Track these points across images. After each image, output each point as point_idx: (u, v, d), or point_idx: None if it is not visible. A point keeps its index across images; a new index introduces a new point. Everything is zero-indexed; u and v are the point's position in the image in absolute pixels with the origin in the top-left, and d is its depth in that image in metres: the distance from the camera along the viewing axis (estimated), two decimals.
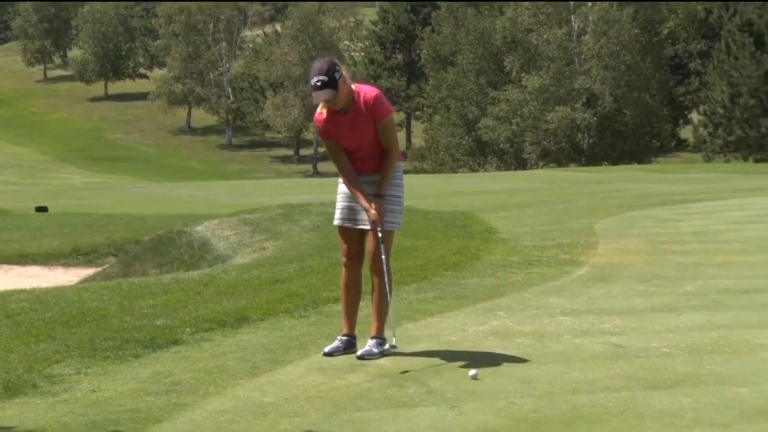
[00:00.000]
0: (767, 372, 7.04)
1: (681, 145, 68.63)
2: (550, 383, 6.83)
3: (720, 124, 56.74)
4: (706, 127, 58.02)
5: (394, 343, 7.53)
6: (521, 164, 62.11)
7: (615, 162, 56.55)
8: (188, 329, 8.41)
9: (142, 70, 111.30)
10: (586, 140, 61.74)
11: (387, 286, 7.62)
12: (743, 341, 8.00)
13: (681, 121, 69.86)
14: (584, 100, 61.72)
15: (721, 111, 56.66)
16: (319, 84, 7.32)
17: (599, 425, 5.93)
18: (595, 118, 61.02)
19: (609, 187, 28.15)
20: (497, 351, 7.75)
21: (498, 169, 61.93)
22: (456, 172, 61.08)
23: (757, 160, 53.61)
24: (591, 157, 60.35)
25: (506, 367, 7.26)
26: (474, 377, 6.83)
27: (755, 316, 9.05)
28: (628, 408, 6.25)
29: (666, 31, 68.40)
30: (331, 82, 7.32)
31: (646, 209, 19.42)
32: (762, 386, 6.67)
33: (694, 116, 66.36)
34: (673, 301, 9.84)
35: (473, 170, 62.75)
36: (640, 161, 56.84)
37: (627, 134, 62.17)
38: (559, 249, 13.60)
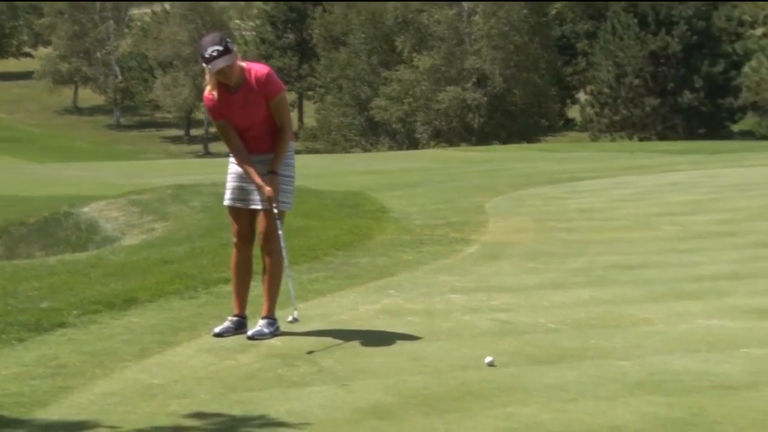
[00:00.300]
0: (649, 345, 7.23)
1: (569, 124, 69.71)
2: (439, 360, 6.90)
3: (606, 104, 57.83)
4: (592, 106, 59.09)
5: (296, 315, 7.52)
6: (413, 144, 62.39)
7: (505, 141, 57.18)
8: (75, 311, 8.27)
9: (26, 49, 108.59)
10: (476, 120, 62.30)
11: (279, 266, 7.62)
12: (627, 316, 8.20)
13: (569, 101, 70.93)
14: (475, 80, 62.25)
15: (607, 91, 57.75)
16: (215, 54, 7.22)
17: (488, 400, 6.02)
18: (485, 98, 61.60)
19: (499, 166, 28.48)
20: (388, 329, 7.80)
21: (390, 149, 62.11)
22: (348, 152, 61.06)
23: (641, 139, 54.80)
24: (481, 137, 60.93)
25: (397, 345, 7.32)
26: (490, 364, 6.70)
27: (638, 291, 9.28)
28: (515, 383, 6.36)
29: (554, 12, 69.34)
30: (227, 50, 7.26)
31: (534, 188, 19.72)
32: (644, 359, 6.85)
33: (582, 96, 67.46)
34: (559, 278, 10.03)
35: (366, 150, 62.81)
36: (530, 140, 57.54)
37: (516, 114, 62.92)
38: (449, 227, 13.72)
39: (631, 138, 55.86)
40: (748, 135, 57.46)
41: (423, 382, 6.39)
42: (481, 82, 62.32)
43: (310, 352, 7.08)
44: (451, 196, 18.43)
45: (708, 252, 11.46)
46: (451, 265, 10.88)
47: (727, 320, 7.98)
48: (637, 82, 56.30)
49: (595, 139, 57.11)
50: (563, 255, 11.43)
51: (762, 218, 14.00)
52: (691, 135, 54.59)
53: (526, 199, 17.57)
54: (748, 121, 59.84)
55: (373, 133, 66.97)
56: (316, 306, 8.70)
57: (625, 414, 5.73)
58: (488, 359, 6.71)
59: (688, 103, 56.47)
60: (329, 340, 7.43)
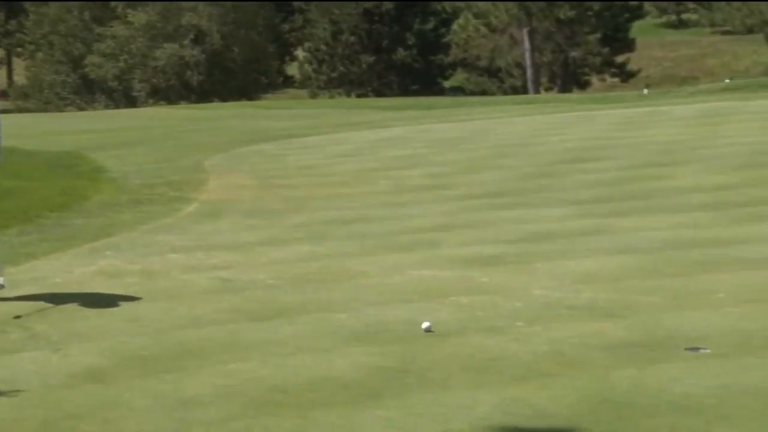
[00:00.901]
0: (365, 298, 7.44)
1: (288, 81, 70.05)
2: (158, 320, 6.85)
3: (324, 61, 58.53)
4: (310, 63, 59.66)
5: (1, 281, 7.24)
6: (131, 102, 60.89)
7: (225, 99, 56.76)
8: None
9: None
10: (195, 77, 61.49)
11: None
12: (344, 270, 8.40)
13: (287, 58, 71.24)
14: (192, 36, 61.37)
15: (324, 48, 58.43)
16: None
17: (207, 358, 6.03)
18: (203, 55, 60.88)
19: (219, 124, 28.30)
20: (105, 291, 7.65)
21: (107, 107, 60.35)
22: (63, 111, 58.92)
23: (358, 95, 55.85)
24: (201, 94, 60.22)
25: (114, 307, 7.19)
26: (428, 329, 6.51)
27: (355, 245, 9.51)
28: (235, 340, 6.40)
29: None
30: None
31: (254, 145, 19.74)
32: (360, 311, 7.05)
33: (300, 53, 67.90)
34: (280, 234, 10.13)
35: (81, 109, 60.74)
36: (250, 98, 57.41)
37: (236, 71, 62.55)
38: (168, 186, 13.56)
39: (349, 95, 56.83)
40: (458, 91, 59.61)
41: (141, 343, 6.32)
42: (199, 38, 61.51)
43: (18, 317, 6.85)
44: (170, 154, 18.19)
45: (421, 205, 11.88)
46: (171, 224, 10.78)
47: (438, 270, 8.32)
48: (352, 39, 57.26)
49: (314, 95, 57.71)
50: (283, 211, 11.55)
51: (471, 171, 14.63)
52: (405, 91, 56.09)
53: (246, 156, 17.59)
54: (458, 77, 62.12)
55: (89, 92, 64.84)
56: (28, 270, 8.42)
57: (341, 365, 5.88)
58: (425, 324, 6.58)
59: (402, 60, 57.98)
60: (42, 304, 7.21)
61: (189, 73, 61.48)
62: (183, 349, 6.20)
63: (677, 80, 54.05)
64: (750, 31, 56.49)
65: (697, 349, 6.06)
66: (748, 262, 8.19)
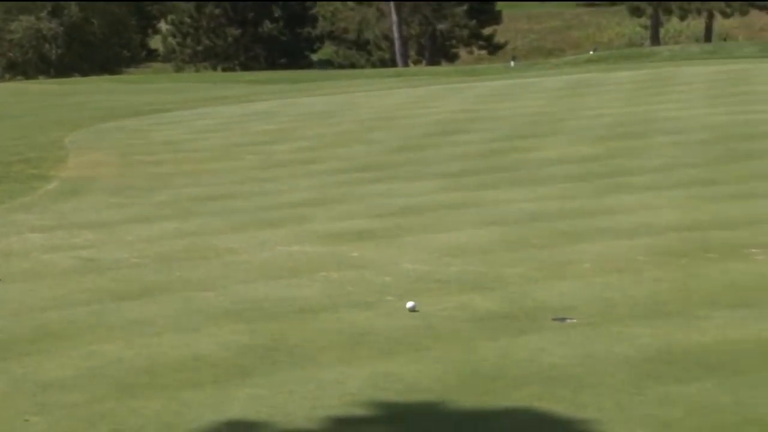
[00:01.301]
0: (233, 275, 7.33)
1: (152, 55, 68.74)
2: (17, 302, 6.63)
3: (188, 34, 57.61)
4: (174, 36, 58.65)
5: None
6: None
7: (86, 73, 55.40)
8: None
9: None
10: (54, 51, 59.89)
11: None
12: (211, 247, 8.26)
13: (150, 31, 69.88)
14: (49, 9, 59.70)
15: (188, 20, 57.50)
16: None
17: (69, 340, 5.86)
18: (61, 28, 59.31)
19: (80, 100, 27.58)
20: None
21: None
22: None
23: (225, 69, 55.20)
24: (60, 69, 58.66)
25: None
26: (412, 309, 6.32)
27: (222, 221, 9.37)
28: (98, 321, 6.24)
29: None
30: None
31: (117, 120, 19.27)
32: (228, 288, 6.94)
33: (163, 26, 66.68)
34: (145, 212, 9.92)
35: None
36: (111, 72, 56.16)
37: (96, 45, 61.12)
38: (26, 164, 13.14)
39: (215, 68, 56.11)
40: (327, 64, 59.45)
41: None
42: (57, 11, 59.89)
43: None
44: (28, 131, 17.63)
45: (289, 180, 11.78)
46: (29, 203, 10.45)
47: (307, 245, 8.25)
48: (217, 11, 56.48)
49: (179, 69, 56.77)
50: (148, 188, 11.31)
51: (339, 145, 14.57)
52: (273, 65, 55.66)
53: (108, 132, 17.17)
54: (327, 50, 61.91)
55: None
56: None
57: (209, 344, 5.78)
58: (410, 304, 6.41)
59: (269, 32, 57.49)
60: None
61: (47, 46, 59.82)
62: (44, 331, 6.01)
63: (543, 52, 54.90)
64: (613, 2, 57.70)
65: (563, 319, 6.14)
66: (612, 232, 8.35)
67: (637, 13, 51.82)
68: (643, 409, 4.76)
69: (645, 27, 52.03)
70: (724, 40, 44.40)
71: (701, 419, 4.64)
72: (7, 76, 59.37)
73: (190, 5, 55.59)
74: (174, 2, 56.77)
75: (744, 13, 48.09)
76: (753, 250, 7.55)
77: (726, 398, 4.86)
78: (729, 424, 4.58)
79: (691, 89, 18.20)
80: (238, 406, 4.90)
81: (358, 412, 4.85)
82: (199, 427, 4.70)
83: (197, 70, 55.59)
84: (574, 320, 6.09)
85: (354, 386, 5.12)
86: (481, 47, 56.32)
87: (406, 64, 49.20)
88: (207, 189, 11.22)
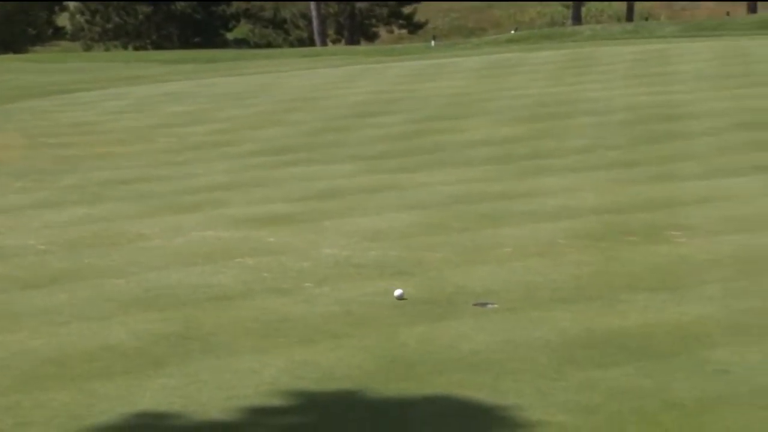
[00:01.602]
0: (145, 261, 7.11)
1: (59, 33, 67.34)
2: None
3: (97, 11, 56.54)
4: (82, 14, 57.52)
5: None
6: None
7: None
8: None
9: None
10: None
11: None
12: (122, 232, 8.03)
13: (57, 8, 68.42)
14: None
15: None
16: None
17: None
18: None
19: None
20: None
21: None
22: None
23: (136, 48, 54.31)
24: None
25: None
26: (400, 297, 6.10)
27: (134, 206, 9.12)
28: (3, 310, 6.02)
29: None
30: None
31: (22, 101, 18.78)
32: (140, 276, 6.73)
33: (71, 3, 65.32)
34: (52, 196, 9.64)
35: None
36: (16, 51, 54.94)
37: None
38: None
39: (126, 47, 55.17)
40: (242, 43, 58.84)
41: None
42: None
43: None
44: None
45: (204, 163, 11.54)
46: None
47: (222, 231, 8.06)
48: None
49: (88, 48, 55.72)
50: (56, 172, 11.00)
51: (256, 127, 14.35)
52: (187, 44, 54.92)
53: (13, 113, 16.72)
54: (242, 29, 61.28)
55: None
56: None
57: (120, 333, 5.59)
58: (398, 292, 6.17)
59: (182, 10, 56.67)
60: None
61: None
62: None
63: (464, 31, 54.91)
64: None
65: (484, 304, 6.05)
66: (534, 215, 8.30)
67: None
68: (564, 395, 4.69)
69: (567, 6, 52.31)
70: (646, 19, 44.83)
71: (622, 404, 4.59)
72: None
73: None
74: None
75: None
76: (674, 233, 7.56)
77: (647, 382, 4.81)
78: (649, 409, 4.54)
79: (612, 69, 18.32)
80: (150, 397, 4.73)
81: (275, 401, 4.71)
82: (110, 419, 4.52)
83: (107, 49, 54.61)
84: (495, 305, 6.01)
85: (270, 375, 4.97)
86: (401, 26, 56.12)
87: (324, 44, 48.84)
88: (118, 172, 10.94)
